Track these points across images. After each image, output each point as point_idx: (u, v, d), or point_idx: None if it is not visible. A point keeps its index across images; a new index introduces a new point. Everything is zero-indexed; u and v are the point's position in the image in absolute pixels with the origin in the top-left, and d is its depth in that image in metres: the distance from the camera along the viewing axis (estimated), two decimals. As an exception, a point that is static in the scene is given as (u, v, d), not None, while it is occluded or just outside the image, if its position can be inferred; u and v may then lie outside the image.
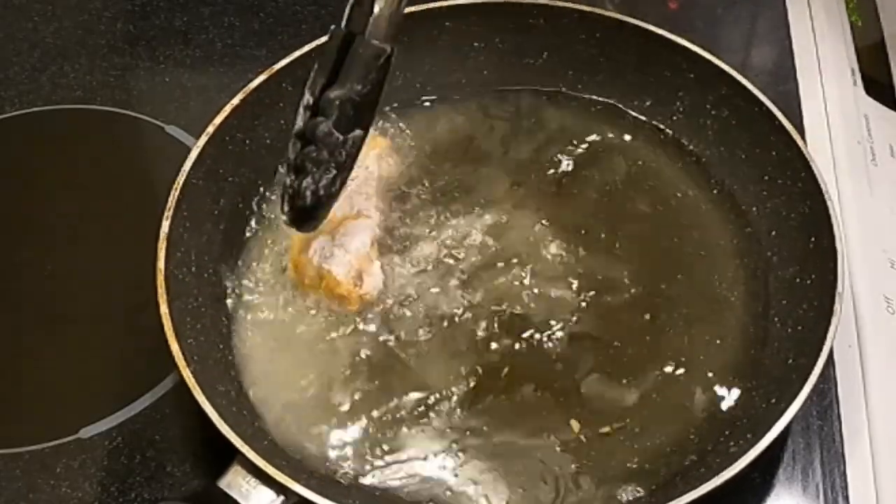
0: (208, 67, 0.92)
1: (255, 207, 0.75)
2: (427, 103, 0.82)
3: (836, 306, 0.65)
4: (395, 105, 0.81)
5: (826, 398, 0.70)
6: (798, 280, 0.70)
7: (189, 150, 0.71)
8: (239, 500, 0.57)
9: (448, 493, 0.63)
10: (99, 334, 0.75)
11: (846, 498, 0.66)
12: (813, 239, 0.70)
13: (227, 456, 0.59)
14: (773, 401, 0.64)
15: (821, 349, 0.63)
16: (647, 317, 0.71)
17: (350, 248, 0.70)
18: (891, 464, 0.66)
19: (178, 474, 0.67)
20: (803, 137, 0.79)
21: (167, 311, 0.63)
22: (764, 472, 0.67)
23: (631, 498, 0.63)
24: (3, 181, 0.85)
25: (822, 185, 0.70)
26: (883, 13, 0.94)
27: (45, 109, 0.88)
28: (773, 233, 0.74)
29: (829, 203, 0.69)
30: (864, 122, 0.84)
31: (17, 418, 0.70)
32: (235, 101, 0.73)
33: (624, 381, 0.68)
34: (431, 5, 0.79)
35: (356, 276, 0.69)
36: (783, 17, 0.94)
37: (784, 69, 0.90)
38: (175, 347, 0.61)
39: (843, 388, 0.70)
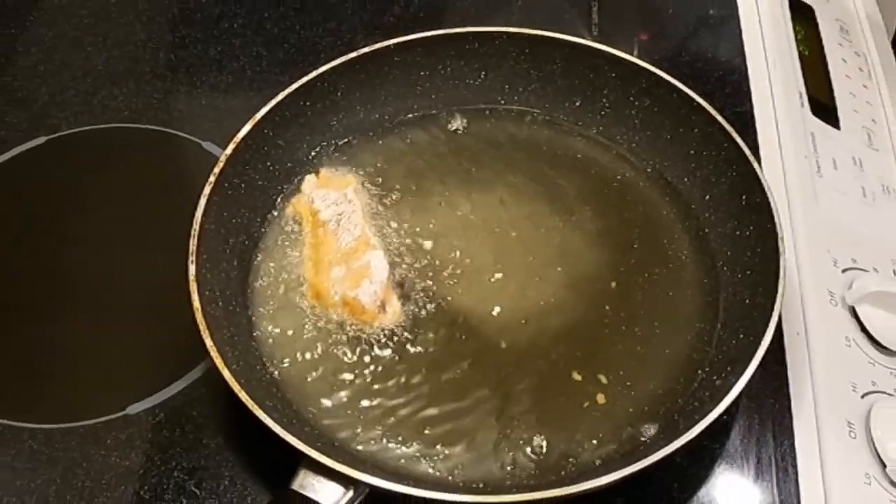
0: (239, 91, 0.95)
1: (258, 243, 0.77)
2: (384, 130, 0.85)
3: (781, 247, 0.68)
4: (357, 138, 0.84)
5: (777, 379, 0.73)
6: (738, 233, 0.74)
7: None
8: (313, 497, 0.59)
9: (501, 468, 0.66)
10: (144, 326, 0.77)
11: (794, 466, 0.69)
12: (744, 197, 0.74)
13: (251, 427, 0.61)
14: (742, 336, 0.68)
15: (776, 287, 0.66)
16: (614, 284, 0.75)
17: (375, 279, 0.72)
18: (833, 437, 0.68)
19: (212, 445, 0.70)
20: (757, 153, 0.84)
21: (212, 343, 0.64)
22: (722, 444, 0.70)
23: (646, 437, 0.67)
24: (62, 191, 0.87)
25: (745, 151, 0.73)
26: (827, 44, 0.96)
27: (96, 128, 0.92)
28: (707, 197, 0.78)
29: (753, 165, 0.73)
30: (811, 140, 0.87)
31: (72, 397, 0.73)
32: (228, 150, 0.73)
33: (608, 340, 0.72)
34: (382, 44, 0.82)
35: (381, 305, 0.72)
36: (740, 47, 0.98)
37: (741, 93, 0.93)
38: (226, 373, 0.63)
39: (792, 370, 0.73)
